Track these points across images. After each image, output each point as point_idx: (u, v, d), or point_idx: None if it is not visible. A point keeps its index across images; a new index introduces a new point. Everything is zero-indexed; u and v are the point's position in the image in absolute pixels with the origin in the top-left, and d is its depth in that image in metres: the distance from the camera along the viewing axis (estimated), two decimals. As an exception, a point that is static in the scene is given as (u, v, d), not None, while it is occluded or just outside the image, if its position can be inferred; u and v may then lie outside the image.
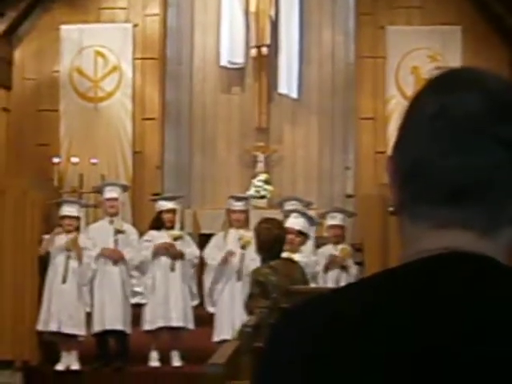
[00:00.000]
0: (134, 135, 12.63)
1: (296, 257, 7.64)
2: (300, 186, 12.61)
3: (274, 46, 12.54)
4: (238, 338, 5.50)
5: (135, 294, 9.16)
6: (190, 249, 9.24)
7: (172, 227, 9.25)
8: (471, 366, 0.98)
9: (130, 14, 12.78)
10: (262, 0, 12.44)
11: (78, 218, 9.14)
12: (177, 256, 9.08)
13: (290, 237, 7.80)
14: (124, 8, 12.79)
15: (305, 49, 12.76)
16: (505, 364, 0.98)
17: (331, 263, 8.93)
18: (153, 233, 9.23)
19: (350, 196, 12.19)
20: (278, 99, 12.67)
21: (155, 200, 9.67)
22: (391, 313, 1.02)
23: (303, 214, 8.59)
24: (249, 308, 6.42)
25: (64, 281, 8.90)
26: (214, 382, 3.87)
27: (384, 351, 1.00)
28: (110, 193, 9.32)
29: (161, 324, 9.01)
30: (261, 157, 12.48)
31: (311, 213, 9.18)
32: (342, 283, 8.39)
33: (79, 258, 8.98)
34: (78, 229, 9.10)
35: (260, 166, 12.47)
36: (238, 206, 9.25)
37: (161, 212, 9.26)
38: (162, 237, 9.12)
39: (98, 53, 12.65)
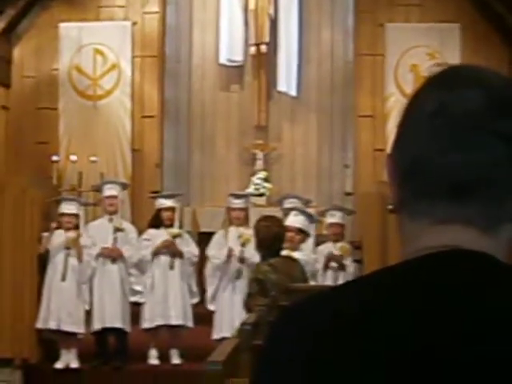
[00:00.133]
0: (133, 133, 12.63)
1: (296, 255, 7.64)
2: (299, 183, 12.62)
3: (273, 44, 12.54)
4: (237, 335, 5.50)
5: (134, 292, 9.16)
6: (189, 247, 9.24)
7: (171, 225, 9.24)
8: (471, 365, 0.98)
9: (129, 11, 12.78)
10: (261, -2, 12.45)
11: (76, 216, 9.14)
12: (176, 254, 9.08)
13: (289, 235, 7.79)
14: (123, 6, 12.80)
15: (304, 47, 12.76)
16: (505, 364, 0.97)
17: (330, 260, 8.92)
18: (152, 231, 9.22)
19: (349, 194, 12.19)
20: (277, 97, 12.67)
21: (155, 198, 9.68)
22: (391, 310, 1.02)
23: (303, 212, 8.58)
24: (248, 306, 6.42)
25: (63, 278, 8.90)
26: (213, 380, 3.87)
27: (384, 349, 1.00)
28: (110, 191, 9.31)
29: (160, 322, 9.01)
30: (260, 155, 12.49)
31: (311, 211, 9.18)
32: (341, 281, 8.39)
33: (79, 257, 8.98)
34: (77, 227, 9.10)
35: (259, 163, 12.47)
36: (238, 203, 9.25)
37: (160, 210, 9.26)
38: (161, 235, 9.12)
39: (97, 51, 12.65)
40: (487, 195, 1.06)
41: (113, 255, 9.05)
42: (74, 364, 8.95)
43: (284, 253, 6.98)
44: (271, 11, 12.49)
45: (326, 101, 12.74)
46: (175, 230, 9.23)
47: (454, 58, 11.90)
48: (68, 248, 8.94)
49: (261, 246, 6.70)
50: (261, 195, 12.09)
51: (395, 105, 12.16)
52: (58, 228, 9.18)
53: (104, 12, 12.82)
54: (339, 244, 9.10)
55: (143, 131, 12.69)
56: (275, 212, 8.51)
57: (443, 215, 1.07)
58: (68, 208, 9.10)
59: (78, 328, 8.91)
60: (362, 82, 12.59)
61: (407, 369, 0.99)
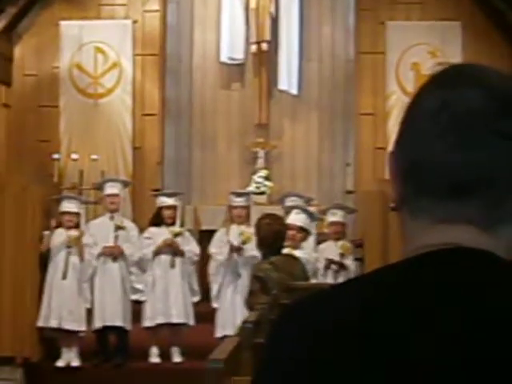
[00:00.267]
0: (133, 131, 12.64)
1: (297, 253, 7.65)
2: (300, 182, 12.61)
3: (274, 42, 12.54)
4: (238, 333, 5.50)
5: (135, 290, 9.16)
6: (190, 246, 9.24)
7: (172, 224, 9.25)
8: (472, 365, 0.98)
9: (130, 10, 12.78)
10: (261, -4, 12.45)
11: (77, 214, 9.14)
12: (177, 252, 9.08)
13: (291, 233, 7.80)
14: (124, 4, 12.80)
15: (305, 45, 12.75)
16: (505, 364, 0.97)
17: (330, 264, 8.89)
18: (153, 230, 9.22)
19: (350, 192, 12.19)
20: (278, 95, 12.66)
21: (156, 196, 9.67)
22: (392, 309, 1.02)
23: (304, 210, 8.59)
24: (249, 304, 6.42)
25: (64, 277, 8.90)
26: (214, 378, 3.87)
27: (385, 347, 1.00)
28: (111, 189, 9.31)
29: (161, 321, 9.02)
30: (261, 153, 12.48)
31: (312, 209, 9.18)
32: (341, 279, 8.40)
33: (81, 255, 8.98)
34: (77, 225, 9.11)
35: (260, 162, 12.47)
36: (239, 201, 9.26)
37: (161, 208, 9.26)
38: (162, 233, 9.11)
39: (98, 49, 12.65)
40: (487, 195, 1.06)
41: (114, 253, 9.05)
42: (75, 362, 8.95)
43: (285, 251, 6.99)
44: (272, 9, 12.49)
45: (326, 99, 12.74)
46: (176, 229, 9.23)
47: (455, 55, 11.90)
48: (69, 246, 8.94)
49: (262, 244, 6.70)
50: (262, 193, 12.08)
51: (396, 103, 12.16)
52: (57, 226, 9.19)
53: (105, 10, 12.83)
54: (340, 242, 9.10)
55: (144, 129, 12.70)
56: (276, 210, 8.51)
57: (444, 214, 1.07)
58: (69, 206, 9.10)
59: (79, 326, 8.91)
60: (363, 81, 12.59)
61: (408, 367, 0.99)
